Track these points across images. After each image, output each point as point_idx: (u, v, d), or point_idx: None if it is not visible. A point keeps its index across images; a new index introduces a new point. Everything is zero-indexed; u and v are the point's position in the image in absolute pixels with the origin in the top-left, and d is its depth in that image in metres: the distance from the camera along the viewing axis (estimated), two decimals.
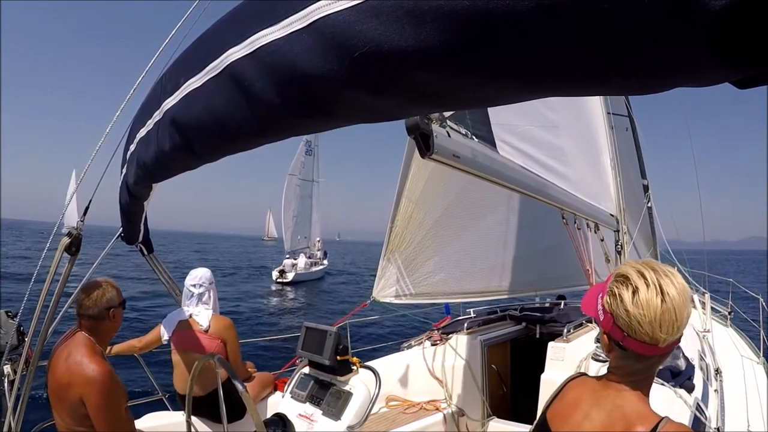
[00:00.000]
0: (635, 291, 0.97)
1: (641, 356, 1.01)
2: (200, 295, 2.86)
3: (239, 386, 1.79)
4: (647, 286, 0.97)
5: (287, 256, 26.54)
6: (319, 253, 30.24)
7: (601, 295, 1.07)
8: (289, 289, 22.46)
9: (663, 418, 0.98)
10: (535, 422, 1.31)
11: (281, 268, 24.31)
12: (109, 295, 2.04)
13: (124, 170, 1.88)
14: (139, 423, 2.66)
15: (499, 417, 3.25)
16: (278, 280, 23.48)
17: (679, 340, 1.01)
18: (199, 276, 2.89)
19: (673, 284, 0.97)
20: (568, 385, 1.23)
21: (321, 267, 29.00)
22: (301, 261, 26.38)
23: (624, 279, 1.01)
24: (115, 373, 1.95)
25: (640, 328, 0.96)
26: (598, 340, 2.71)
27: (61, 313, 2.15)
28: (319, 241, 31.07)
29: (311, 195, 30.75)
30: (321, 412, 2.47)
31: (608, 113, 4.18)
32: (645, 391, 1.06)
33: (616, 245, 3.96)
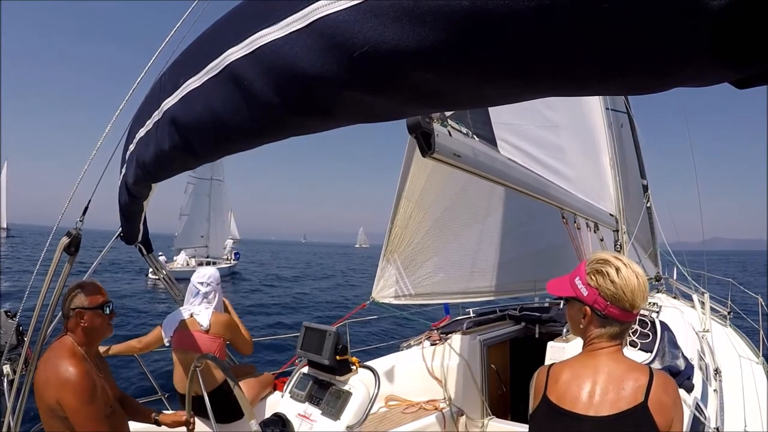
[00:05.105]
0: (618, 269, 1.24)
1: (620, 322, 1.26)
2: (206, 294, 2.86)
3: (231, 382, 1.79)
4: (625, 266, 1.25)
5: (160, 254, 26.66)
6: (228, 254, 30.45)
7: (578, 277, 1.30)
8: (161, 287, 22.77)
9: (649, 366, 1.26)
10: (535, 410, 1.34)
11: None
12: (76, 294, 1.96)
13: (124, 170, 1.88)
14: (137, 423, 2.65)
15: (498, 417, 3.25)
16: (150, 276, 23.82)
17: (639, 311, 1.29)
18: (208, 275, 2.89)
19: (638, 268, 1.26)
20: (552, 368, 1.35)
21: (223, 266, 28.40)
22: (180, 258, 26.89)
23: (605, 262, 1.26)
24: (92, 375, 1.88)
25: (624, 296, 1.22)
26: None
27: (60, 314, 2.15)
28: (231, 241, 31.34)
29: (209, 194, 30.58)
30: (320, 411, 2.47)
31: (606, 109, 4.17)
32: (622, 351, 1.30)
33: (615, 245, 3.96)
